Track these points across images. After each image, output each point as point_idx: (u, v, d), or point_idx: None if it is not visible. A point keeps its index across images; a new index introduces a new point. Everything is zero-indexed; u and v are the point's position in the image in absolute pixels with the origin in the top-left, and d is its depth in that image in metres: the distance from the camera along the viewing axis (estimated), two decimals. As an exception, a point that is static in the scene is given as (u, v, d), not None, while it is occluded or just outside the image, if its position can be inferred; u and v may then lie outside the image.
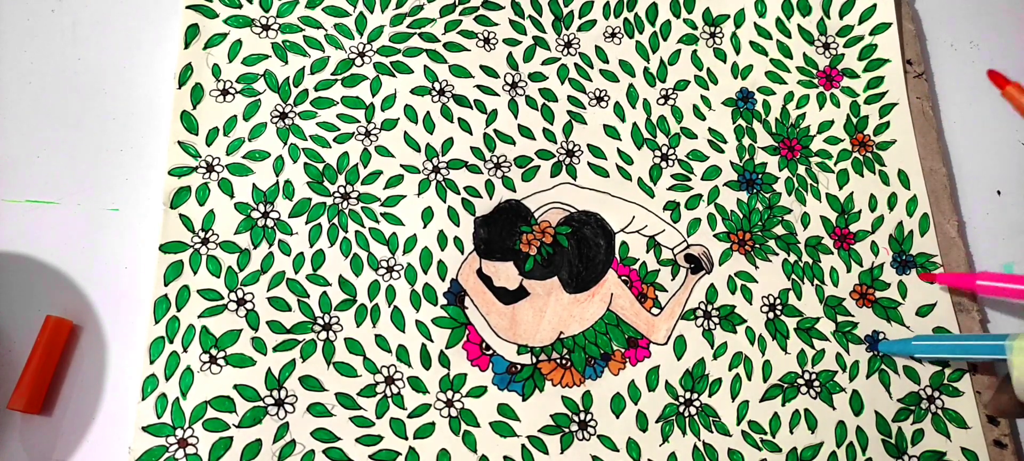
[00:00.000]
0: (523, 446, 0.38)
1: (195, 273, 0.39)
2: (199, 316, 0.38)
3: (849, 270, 0.43)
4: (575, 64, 0.46)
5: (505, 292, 0.41)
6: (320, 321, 0.39)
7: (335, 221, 0.41)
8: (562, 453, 0.38)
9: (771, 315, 0.41)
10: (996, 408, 0.39)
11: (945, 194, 0.45)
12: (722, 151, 0.45)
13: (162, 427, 0.36)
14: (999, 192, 0.46)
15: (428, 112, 0.43)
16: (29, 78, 0.43)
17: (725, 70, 0.46)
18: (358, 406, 0.38)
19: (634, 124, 0.45)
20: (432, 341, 0.39)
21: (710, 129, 0.45)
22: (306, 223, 0.41)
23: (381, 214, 0.41)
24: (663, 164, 0.44)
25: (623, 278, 0.41)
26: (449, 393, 0.39)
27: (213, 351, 0.38)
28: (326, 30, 0.44)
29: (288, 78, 0.43)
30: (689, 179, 0.44)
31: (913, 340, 0.41)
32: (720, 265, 0.42)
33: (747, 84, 0.46)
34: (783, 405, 0.40)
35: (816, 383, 0.40)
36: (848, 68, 0.47)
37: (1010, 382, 0.37)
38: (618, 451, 0.39)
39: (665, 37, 0.47)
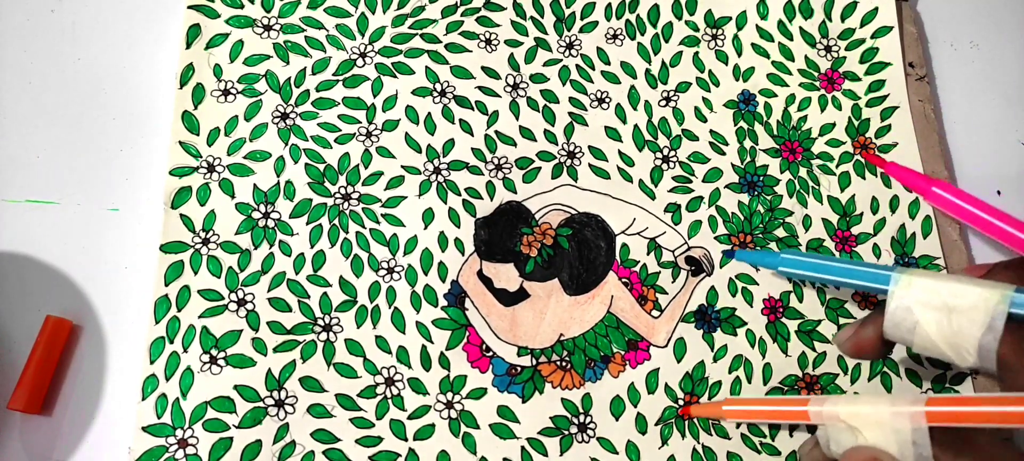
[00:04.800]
0: (523, 448, 0.38)
1: (196, 273, 0.39)
2: (199, 316, 0.38)
3: (850, 273, 0.43)
4: (577, 65, 0.46)
5: (505, 294, 0.41)
6: (320, 322, 0.39)
7: (336, 222, 0.41)
8: (561, 455, 0.38)
9: (772, 317, 0.41)
10: (855, 345, 0.34)
11: (946, 197, 0.45)
12: (723, 153, 0.44)
13: (162, 427, 0.36)
14: (999, 192, 0.46)
15: (429, 113, 0.43)
16: (29, 78, 0.43)
17: (727, 72, 0.46)
18: (358, 407, 0.38)
19: (635, 126, 0.45)
20: (432, 342, 0.39)
21: (711, 131, 0.45)
22: (307, 224, 0.41)
23: (382, 215, 0.41)
24: (664, 166, 0.44)
25: (623, 280, 0.41)
26: (449, 395, 0.39)
27: (213, 351, 0.38)
28: (328, 31, 0.44)
29: (289, 78, 0.43)
30: (690, 181, 0.44)
31: (781, 252, 0.38)
32: (721, 267, 0.42)
33: (749, 86, 0.46)
34: (783, 408, 0.40)
35: (817, 386, 0.40)
36: (850, 71, 0.47)
37: (881, 314, 0.32)
38: (617, 453, 0.38)
39: (667, 39, 0.47)
